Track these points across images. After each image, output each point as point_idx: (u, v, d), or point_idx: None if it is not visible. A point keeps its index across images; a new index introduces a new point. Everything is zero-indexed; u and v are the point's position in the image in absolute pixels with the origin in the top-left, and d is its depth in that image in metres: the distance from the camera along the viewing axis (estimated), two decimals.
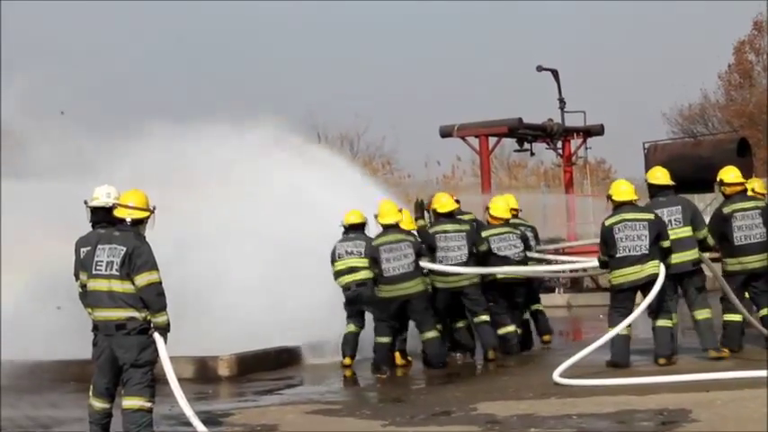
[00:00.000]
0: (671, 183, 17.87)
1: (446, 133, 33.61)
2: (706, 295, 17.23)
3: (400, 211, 19.26)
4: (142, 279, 12.50)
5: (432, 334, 18.51)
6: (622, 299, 16.75)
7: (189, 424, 13.01)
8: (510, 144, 36.16)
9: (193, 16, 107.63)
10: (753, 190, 18.54)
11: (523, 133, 34.83)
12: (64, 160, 21.95)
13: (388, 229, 18.66)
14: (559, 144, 36.41)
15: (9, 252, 20.42)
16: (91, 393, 13.12)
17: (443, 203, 19.53)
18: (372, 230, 19.50)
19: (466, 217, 20.27)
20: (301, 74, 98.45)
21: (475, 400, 15.31)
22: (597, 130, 36.70)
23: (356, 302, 19.00)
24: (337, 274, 19.04)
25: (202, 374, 19.17)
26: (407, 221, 19.38)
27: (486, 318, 19.02)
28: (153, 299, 12.58)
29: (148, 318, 12.66)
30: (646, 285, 16.44)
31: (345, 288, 19.00)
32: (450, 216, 19.36)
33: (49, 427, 14.99)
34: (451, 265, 18.77)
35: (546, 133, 35.39)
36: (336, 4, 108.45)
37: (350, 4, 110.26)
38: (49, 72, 24.47)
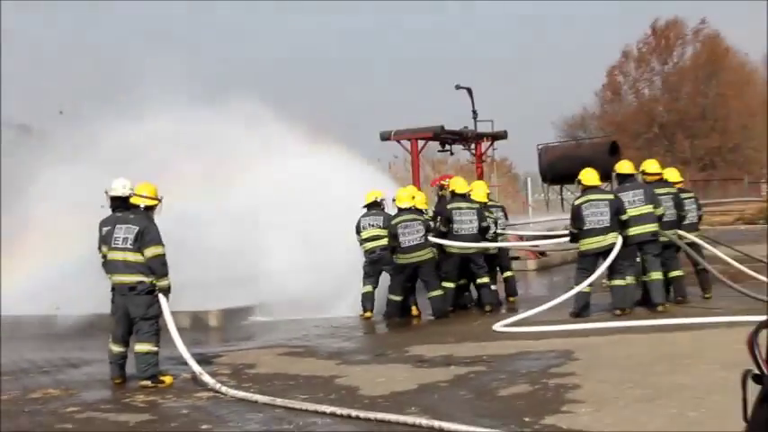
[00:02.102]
0: (635, 172, 17.92)
1: (385, 137, 33.53)
2: (659, 261, 17.26)
3: (413, 198, 19.17)
4: (150, 251, 12.78)
5: (436, 292, 18.47)
6: (587, 263, 16.86)
7: (186, 363, 13.09)
8: (434, 146, 36.15)
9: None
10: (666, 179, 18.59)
11: (445, 138, 34.79)
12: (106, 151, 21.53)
13: (402, 211, 18.67)
14: (473, 146, 36.49)
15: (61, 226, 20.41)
16: (110, 340, 13.24)
17: (460, 185, 19.60)
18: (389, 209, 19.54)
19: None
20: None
21: (408, 344, 15.44)
22: (502, 135, 36.80)
23: (379, 263, 18.94)
24: (363, 241, 19.01)
25: (196, 325, 19.18)
26: (421, 201, 19.41)
27: (486, 279, 19.09)
28: (158, 267, 12.86)
29: (154, 282, 12.85)
30: (607, 252, 16.57)
31: (371, 252, 18.96)
32: (463, 197, 19.37)
33: (78, 366, 14.97)
34: (464, 235, 18.78)
35: (462, 137, 35.43)
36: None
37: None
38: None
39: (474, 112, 36.32)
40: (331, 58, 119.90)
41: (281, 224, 20.45)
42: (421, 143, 34.51)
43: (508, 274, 20.43)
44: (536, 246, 26.07)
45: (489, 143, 36.81)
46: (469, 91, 36.62)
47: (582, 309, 16.87)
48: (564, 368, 12.16)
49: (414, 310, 19.15)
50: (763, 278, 17.99)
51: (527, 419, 9.42)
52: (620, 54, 66.68)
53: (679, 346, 13.27)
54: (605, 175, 38.57)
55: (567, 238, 18.22)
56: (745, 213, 45.34)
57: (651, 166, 18.49)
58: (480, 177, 35.00)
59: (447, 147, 36.17)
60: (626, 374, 11.37)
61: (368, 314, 18.94)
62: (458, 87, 36.96)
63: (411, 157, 33.89)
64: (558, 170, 40.92)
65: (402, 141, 34.04)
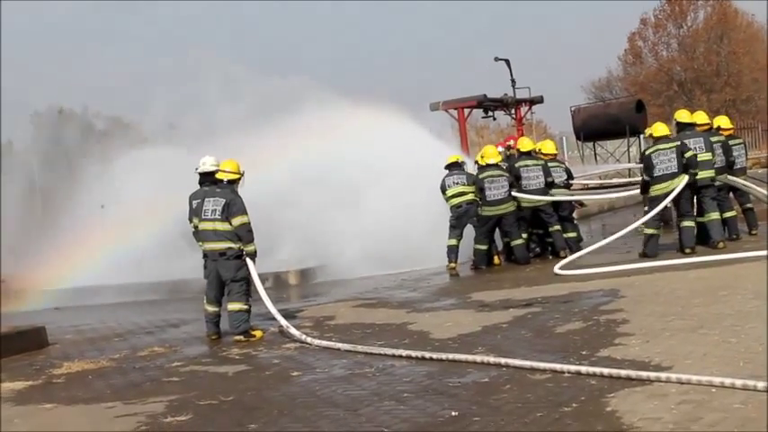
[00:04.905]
0: (694, 121, 17.51)
1: (434, 108, 33.47)
2: (716, 203, 16.96)
3: (498, 155, 19.12)
4: (237, 221, 12.79)
5: (519, 241, 18.43)
6: (657, 205, 16.44)
7: (274, 319, 13.11)
8: (478, 112, 35.98)
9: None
10: (719, 127, 18.44)
11: (488, 105, 34.68)
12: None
13: (488, 167, 18.47)
14: (513, 111, 36.29)
15: (153, 202, 20.56)
16: (205, 301, 13.33)
17: (525, 144, 19.49)
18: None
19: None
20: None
21: (468, 291, 15.36)
22: (539, 100, 36.55)
23: (465, 216, 18.65)
24: (450, 198, 18.69)
25: (278, 284, 19.24)
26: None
27: (557, 227, 18.81)
28: (245, 234, 12.89)
29: (241, 247, 12.88)
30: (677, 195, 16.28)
31: (457, 206, 18.62)
32: (529, 154, 19.18)
33: (177, 326, 15.04)
34: (532, 191, 18.56)
35: (503, 104, 35.26)
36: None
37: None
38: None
39: (512, 80, 36.07)
40: (378, 43, 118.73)
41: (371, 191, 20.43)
42: (466, 111, 34.45)
43: (571, 234, 19.47)
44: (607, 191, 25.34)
45: (528, 108, 36.59)
46: (507, 62, 36.36)
47: (650, 250, 16.55)
48: (612, 305, 12.03)
49: (496, 259, 18.98)
50: None
51: (584, 353, 9.29)
52: (639, 21, 66.10)
53: (714, 280, 13.04)
54: (633, 131, 38.54)
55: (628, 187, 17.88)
56: (761, 159, 44.81)
57: (701, 116, 18.14)
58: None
59: (490, 113, 36.01)
60: (669, 308, 11.21)
61: (452, 264, 18.72)
62: (497, 59, 36.71)
63: (458, 124, 33.77)
64: (591, 128, 40.55)
65: (450, 110, 33.97)
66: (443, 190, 18.76)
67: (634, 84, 65.31)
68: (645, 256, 16.42)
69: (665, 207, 16.50)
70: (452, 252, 18.73)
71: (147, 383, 10.47)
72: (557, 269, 15.96)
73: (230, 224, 12.78)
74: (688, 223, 16.61)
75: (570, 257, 16.58)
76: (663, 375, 7.81)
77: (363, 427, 7.52)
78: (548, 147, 20.23)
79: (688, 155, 16.30)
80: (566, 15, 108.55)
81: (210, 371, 10.91)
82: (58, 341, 14.36)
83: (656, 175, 16.43)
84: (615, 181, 26.12)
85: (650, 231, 16.61)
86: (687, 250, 16.35)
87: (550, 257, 18.62)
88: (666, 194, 16.30)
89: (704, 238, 16.84)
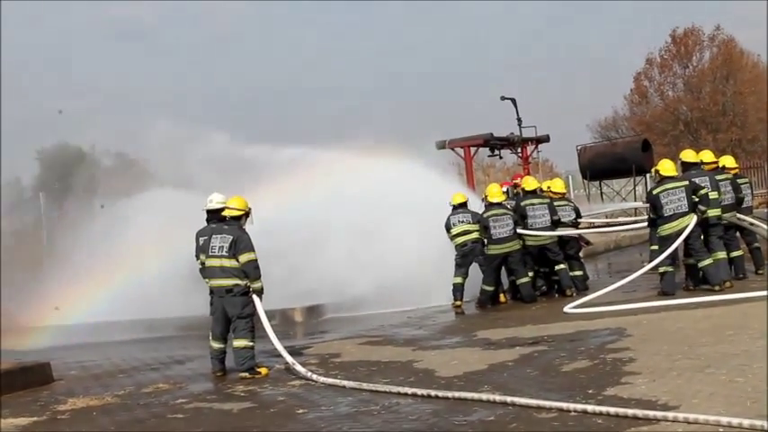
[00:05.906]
0: (700, 161, 17.56)
1: (440, 146, 33.57)
2: (722, 242, 16.94)
3: (504, 194, 19.18)
4: (244, 257, 12.81)
5: (525, 279, 18.34)
6: (669, 244, 16.28)
7: (279, 356, 13.07)
8: (484, 151, 36.10)
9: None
10: (724, 166, 18.34)
11: (494, 143, 34.90)
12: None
13: (493, 205, 18.45)
14: (519, 150, 36.41)
15: (158, 238, 20.56)
16: (210, 337, 13.31)
17: (530, 183, 19.43)
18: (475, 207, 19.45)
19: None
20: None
21: (474, 329, 15.31)
22: (545, 139, 36.77)
23: (471, 255, 18.63)
24: (455, 237, 18.67)
25: (285, 321, 19.20)
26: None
27: (563, 266, 18.69)
28: (251, 271, 12.90)
29: (248, 284, 12.89)
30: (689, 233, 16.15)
31: (462, 245, 18.63)
32: (534, 193, 19.14)
33: (182, 362, 15.00)
34: (537, 228, 18.47)
35: (509, 143, 35.47)
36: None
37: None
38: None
39: (519, 119, 36.27)
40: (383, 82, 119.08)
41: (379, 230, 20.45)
42: (473, 150, 34.59)
43: (578, 273, 19.41)
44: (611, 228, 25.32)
45: (534, 147, 36.73)
46: (513, 101, 36.54)
47: (671, 289, 16.40)
48: (618, 344, 11.99)
49: (502, 298, 18.92)
50: None
51: (590, 391, 9.26)
52: (645, 61, 66.23)
53: (721, 319, 13.01)
54: (639, 170, 38.60)
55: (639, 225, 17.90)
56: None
57: (707, 155, 18.14)
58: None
59: (496, 152, 36.16)
60: (675, 347, 11.17)
61: (458, 303, 18.65)
62: (503, 98, 36.88)
63: (465, 163, 33.88)
64: (597, 167, 40.65)
65: (456, 149, 34.10)
66: (448, 228, 18.73)
67: (640, 123, 65.40)
68: (664, 294, 16.32)
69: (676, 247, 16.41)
70: (458, 290, 18.66)
71: (151, 420, 10.44)
72: (566, 309, 15.91)
73: (237, 261, 12.81)
74: (708, 261, 16.40)
75: (583, 299, 16.46)
76: (670, 415, 7.78)
77: None
78: (557, 185, 20.17)
79: (701, 193, 16.26)
80: (572, 54, 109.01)
81: (215, 408, 10.88)
82: (62, 377, 14.30)
83: (666, 214, 16.33)
84: (621, 220, 26.14)
85: (664, 269, 16.52)
86: (717, 288, 16.06)
87: (556, 296, 18.58)
88: (678, 233, 16.22)
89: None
